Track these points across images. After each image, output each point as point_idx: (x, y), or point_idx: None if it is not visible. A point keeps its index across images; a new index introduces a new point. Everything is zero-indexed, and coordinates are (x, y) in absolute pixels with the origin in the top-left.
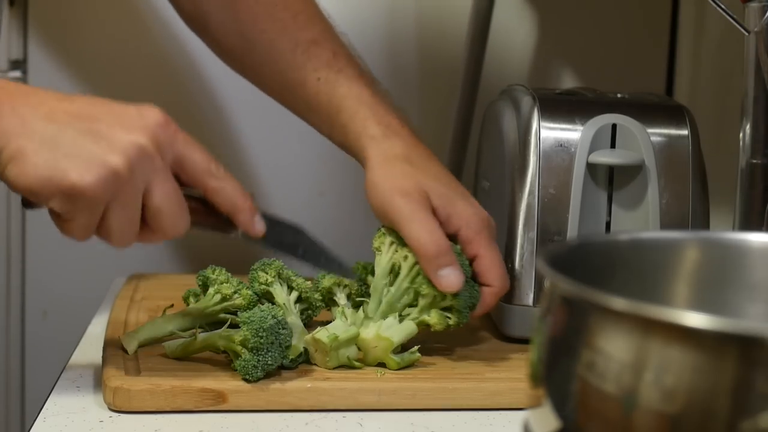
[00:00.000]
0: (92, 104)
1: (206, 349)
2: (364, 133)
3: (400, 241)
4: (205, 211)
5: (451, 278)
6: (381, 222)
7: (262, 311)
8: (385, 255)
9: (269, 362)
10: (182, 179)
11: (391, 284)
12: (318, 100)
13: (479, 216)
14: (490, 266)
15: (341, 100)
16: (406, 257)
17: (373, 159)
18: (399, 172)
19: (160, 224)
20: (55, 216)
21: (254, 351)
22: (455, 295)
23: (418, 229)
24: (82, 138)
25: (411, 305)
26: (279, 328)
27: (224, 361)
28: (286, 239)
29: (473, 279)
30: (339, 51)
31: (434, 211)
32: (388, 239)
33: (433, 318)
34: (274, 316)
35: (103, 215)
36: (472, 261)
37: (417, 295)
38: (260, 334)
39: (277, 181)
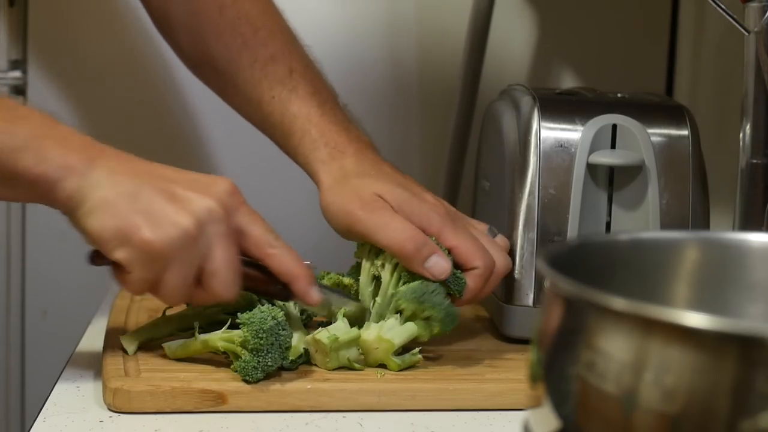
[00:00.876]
0: (170, 168)
1: (206, 350)
2: (312, 156)
3: (376, 248)
4: (264, 279)
5: (438, 266)
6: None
7: (262, 312)
8: (365, 263)
9: (269, 363)
10: (242, 248)
11: (376, 294)
12: (273, 119)
13: (437, 210)
14: (466, 252)
15: (292, 121)
16: (383, 265)
17: (323, 183)
18: (350, 188)
19: (213, 286)
20: (117, 268)
21: (254, 352)
22: (434, 305)
23: (388, 233)
24: (159, 196)
25: (399, 311)
26: (279, 330)
27: (224, 362)
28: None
29: (456, 268)
30: (296, 68)
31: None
32: (367, 247)
33: (418, 329)
34: (274, 317)
35: (163, 272)
36: (449, 254)
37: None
38: (260, 335)
39: (277, 182)
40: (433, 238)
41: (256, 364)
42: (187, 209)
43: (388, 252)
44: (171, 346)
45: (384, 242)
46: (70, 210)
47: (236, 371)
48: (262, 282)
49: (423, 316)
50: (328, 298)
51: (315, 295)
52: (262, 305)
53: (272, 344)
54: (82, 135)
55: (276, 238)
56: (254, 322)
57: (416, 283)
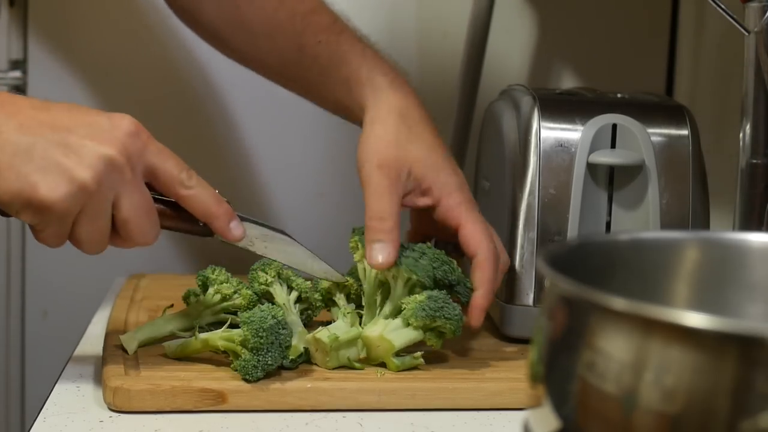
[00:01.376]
0: (66, 113)
1: (206, 349)
2: (369, 83)
3: None
4: (182, 216)
5: (379, 252)
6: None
7: (262, 311)
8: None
9: (269, 362)
10: (155, 188)
11: (384, 299)
12: (317, 61)
13: (461, 188)
14: (471, 234)
15: (344, 55)
16: (394, 276)
17: (371, 110)
18: (390, 135)
19: (129, 234)
20: (29, 225)
21: (254, 351)
22: (447, 319)
23: (375, 201)
24: (53, 150)
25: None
26: (279, 328)
27: (224, 361)
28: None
29: (463, 278)
30: (338, 18)
31: (416, 181)
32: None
33: (430, 340)
34: (274, 316)
35: (73, 226)
36: (455, 232)
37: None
38: (260, 334)
39: (277, 182)
40: (448, 260)
41: (256, 363)
42: (84, 162)
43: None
44: (171, 345)
45: (367, 205)
46: None
47: (236, 370)
48: (181, 221)
49: (435, 327)
50: (256, 232)
51: (236, 231)
52: (262, 304)
53: (272, 343)
54: None
55: (189, 177)
56: (254, 321)
57: (423, 296)
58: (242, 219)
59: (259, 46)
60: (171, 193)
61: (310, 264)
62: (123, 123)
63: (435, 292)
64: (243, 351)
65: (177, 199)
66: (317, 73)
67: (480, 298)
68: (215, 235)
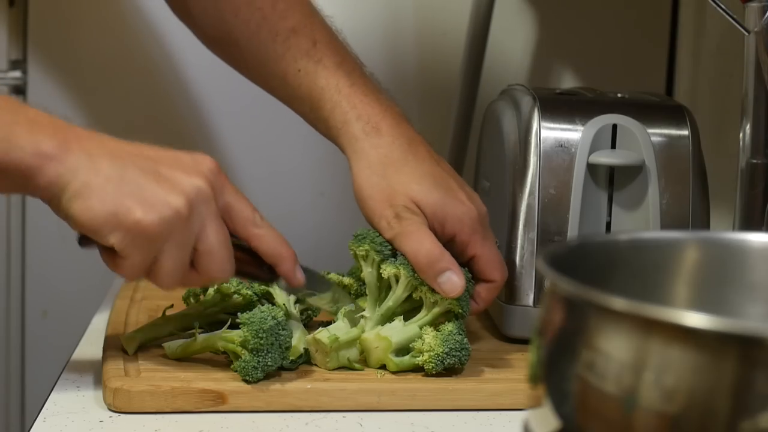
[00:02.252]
0: (151, 148)
1: (206, 349)
2: (344, 130)
3: (378, 247)
4: (249, 260)
5: (451, 283)
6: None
7: (262, 312)
8: (368, 268)
9: (269, 363)
10: (228, 227)
11: (385, 298)
12: (300, 91)
13: (470, 215)
14: (488, 263)
15: (321, 93)
16: (396, 277)
17: (356, 166)
18: (386, 184)
19: (208, 267)
20: (109, 253)
21: (254, 352)
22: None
23: (409, 244)
24: (146, 177)
25: (411, 311)
26: (279, 329)
27: (224, 361)
28: (318, 288)
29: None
30: (319, 39)
31: (428, 220)
32: (365, 247)
33: (428, 364)
34: (274, 317)
35: (157, 255)
36: (470, 261)
37: (418, 302)
38: (260, 335)
39: (277, 182)
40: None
41: (256, 364)
42: (176, 189)
43: (406, 258)
44: (171, 346)
45: (403, 250)
46: (52, 198)
47: (236, 371)
48: (247, 263)
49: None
50: (314, 284)
51: (300, 275)
52: (262, 305)
53: (272, 344)
54: (51, 116)
55: (261, 218)
56: (254, 322)
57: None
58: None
59: (248, 63)
60: (244, 232)
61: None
62: (206, 160)
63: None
64: (243, 352)
65: (248, 239)
66: (301, 103)
67: (479, 308)
68: (278, 280)
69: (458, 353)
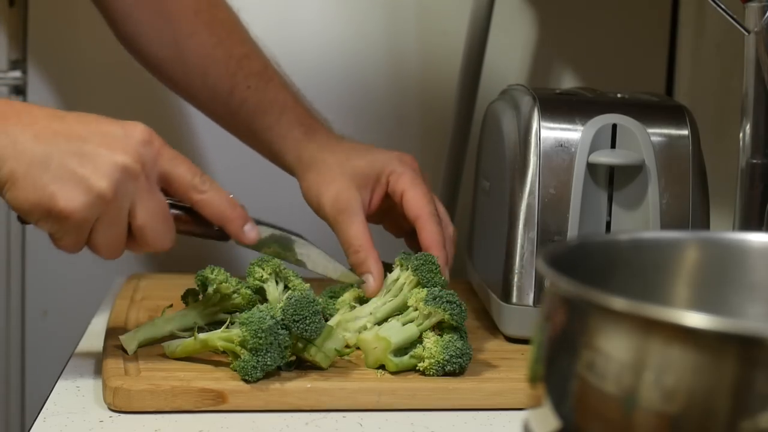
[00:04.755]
0: (80, 123)
1: (205, 349)
2: (289, 135)
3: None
4: (197, 221)
5: (369, 283)
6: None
7: (261, 312)
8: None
9: (268, 363)
10: (170, 193)
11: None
12: (247, 105)
13: (402, 159)
14: (413, 199)
15: (269, 105)
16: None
17: (298, 164)
18: (328, 174)
19: (146, 240)
20: (48, 233)
21: (253, 351)
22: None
23: (348, 233)
24: (69, 160)
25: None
26: (277, 329)
27: (224, 361)
28: (283, 244)
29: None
30: (269, 65)
31: (368, 187)
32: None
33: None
34: (273, 317)
35: (91, 233)
36: (401, 199)
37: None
38: (259, 334)
39: (277, 182)
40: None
41: (255, 364)
42: (100, 170)
43: (346, 242)
44: (170, 345)
45: (341, 238)
46: None
47: (235, 370)
48: (197, 225)
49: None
50: (271, 235)
51: (250, 234)
52: (261, 305)
53: (271, 344)
54: None
55: (203, 181)
56: (253, 322)
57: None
58: (258, 222)
59: (192, 81)
60: (185, 198)
61: (324, 265)
62: (136, 131)
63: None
64: (242, 351)
65: (191, 204)
66: (243, 117)
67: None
68: (231, 239)
69: (459, 359)
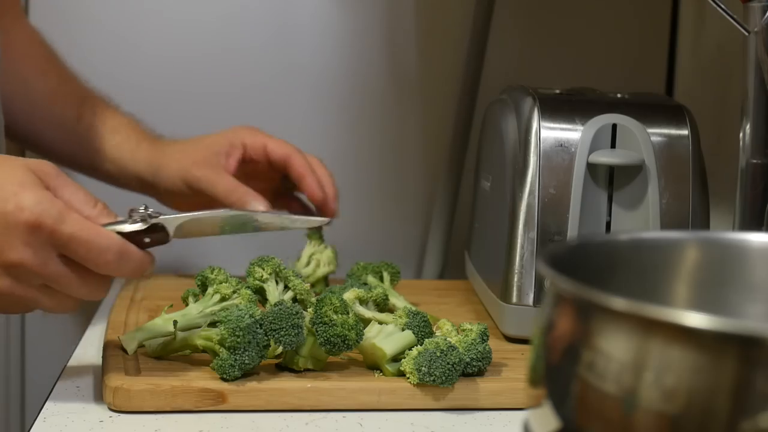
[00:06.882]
0: None
1: (185, 348)
2: (139, 147)
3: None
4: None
5: (257, 206)
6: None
7: (240, 310)
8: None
9: (246, 362)
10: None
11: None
12: (92, 130)
13: (251, 128)
14: (277, 146)
15: (117, 125)
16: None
17: (151, 167)
18: (183, 156)
19: (77, 299)
20: None
21: (231, 350)
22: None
23: (218, 186)
24: None
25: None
26: (256, 328)
27: None
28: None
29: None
30: (108, 99)
31: (229, 146)
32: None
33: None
34: (251, 315)
35: (29, 302)
36: (265, 151)
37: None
38: (237, 333)
39: None
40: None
41: (233, 362)
42: None
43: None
44: (151, 344)
45: (215, 193)
46: None
47: (214, 369)
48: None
49: None
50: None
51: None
52: (241, 304)
53: (249, 342)
54: None
55: (99, 214)
56: (231, 320)
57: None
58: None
59: (41, 117)
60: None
61: (280, 222)
62: (21, 218)
63: (435, 344)
64: (221, 350)
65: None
66: (92, 139)
67: (311, 190)
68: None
69: (447, 375)
